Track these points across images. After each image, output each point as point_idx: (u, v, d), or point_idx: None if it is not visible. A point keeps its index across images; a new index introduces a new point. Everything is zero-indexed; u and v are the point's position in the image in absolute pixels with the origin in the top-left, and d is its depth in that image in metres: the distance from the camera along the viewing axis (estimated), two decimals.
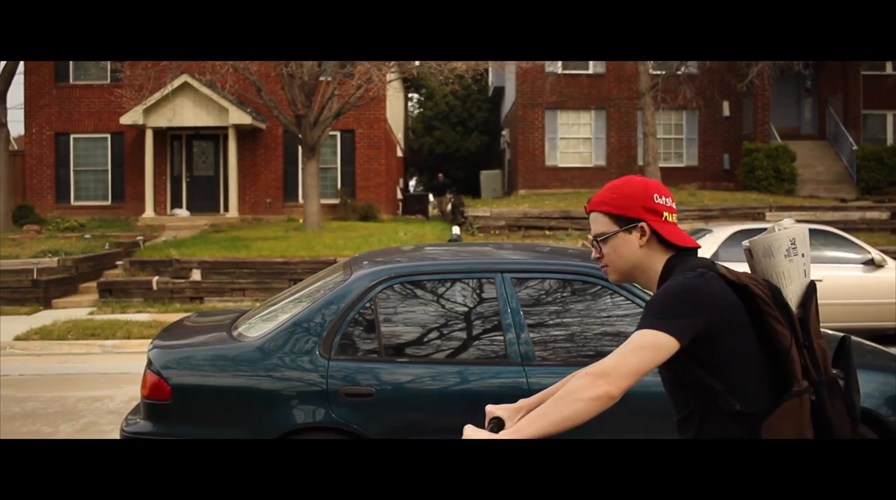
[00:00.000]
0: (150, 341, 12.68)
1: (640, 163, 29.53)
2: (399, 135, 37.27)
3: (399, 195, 35.57)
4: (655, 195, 2.77)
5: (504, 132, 37.98)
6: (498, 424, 2.90)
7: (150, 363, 5.72)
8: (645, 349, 2.49)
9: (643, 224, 2.75)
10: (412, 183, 49.36)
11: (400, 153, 37.58)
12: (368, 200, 28.96)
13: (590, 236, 2.87)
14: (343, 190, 29.09)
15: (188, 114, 27.03)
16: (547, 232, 22.35)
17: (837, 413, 2.67)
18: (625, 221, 2.76)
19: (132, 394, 9.93)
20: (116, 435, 7.97)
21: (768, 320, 2.61)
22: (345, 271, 6.05)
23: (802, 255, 2.75)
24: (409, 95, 45.07)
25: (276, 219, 27.88)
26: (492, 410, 2.93)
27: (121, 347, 13.55)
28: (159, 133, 28.00)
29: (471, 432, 2.56)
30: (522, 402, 2.96)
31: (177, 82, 26.10)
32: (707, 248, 12.76)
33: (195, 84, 26.39)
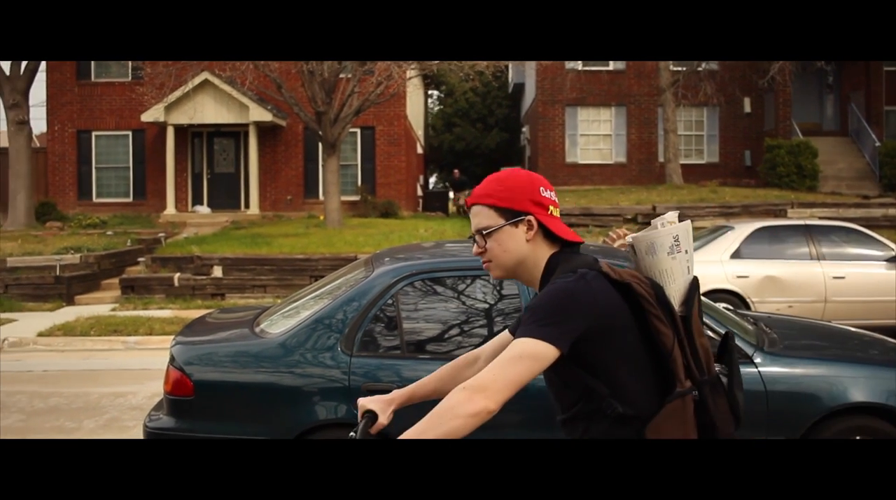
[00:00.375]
0: (171, 337, 12.73)
1: (661, 159, 29.47)
2: (419, 132, 37.28)
3: (419, 192, 35.58)
4: (542, 188, 2.71)
5: (524, 129, 37.95)
6: (371, 417, 2.89)
7: (172, 359, 5.75)
8: (524, 360, 2.45)
9: (531, 218, 2.68)
10: (432, 180, 49.35)
11: (420, 150, 37.59)
12: (389, 196, 28.99)
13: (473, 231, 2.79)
14: (363, 187, 29.13)
15: (209, 111, 27.13)
16: None
17: (720, 412, 2.67)
18: (511, 214, 2.68)
19: (154, 390, 9.98)
20: (139, 431, 8.01)
21: (651, 319, 2.58)
22: (366, 268, 6.07)
23: (686, 251, 2.72)
24: (429, 91, 45.06)
25: (297, 216, 27.94)
26: (364, 403, 2.91)
27: (143, 343, 13.61)
28: (180, 130, 28.13)
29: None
30: (395, 393, 2.97)
31: (197, 80, 26.17)
32: (729, 245, 12.72)
33: (216, 81, 26.49)
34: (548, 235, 2.71)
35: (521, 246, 2.69)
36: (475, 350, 3.11)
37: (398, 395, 2.98)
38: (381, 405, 2.92)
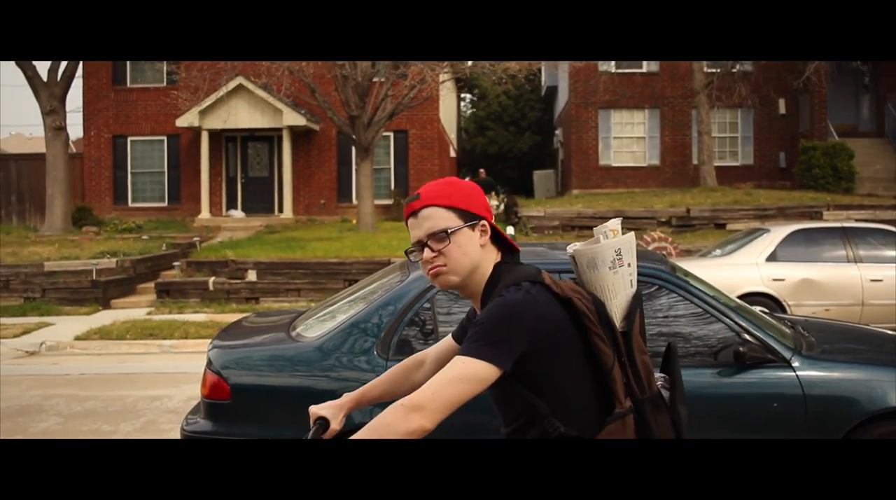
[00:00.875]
0: (207, 340, 12.79)
1: (695, 162, 29.32)
2: (452, 135, 37.30)
3: None
4: (486, 198, 2.71)
5: (557, 132, 37.87)
6: (322, 424, 2.91)
7: (209, 363, 5.77)
8: (464, 382, 2.42)
9: (485, 222, 2.66)
10: None
11: (453, 154, 37.61)
12: None
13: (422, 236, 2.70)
14: (396, 190, 29.16)
15: (243, 116, 27.28)
16: None
17: (661, 429, 2.64)
18: (470, 217, 2.63)
19: (190, 393, 10.04)
20: (176, 434, 8.06)
21: (592, 337, 2.55)
22: (402, 272, 6.08)
23: (629, 264, 2.68)
24: (462, 95, 45.10)
25: (330, 220, 28.02)
26: (315, 410, 2.93)
27: (178, 347, 13.70)
28: (214, 135, 28.29)
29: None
30: (346, 397, 2.99)
31: (232, 84, 26.35)
32: (765, 247, 12.64)
33: (250, 86, 26.63)
34: (496, 242, 2.70)
35: (477, 250, 2.64)
36: (421, 353, 3.12)
37: (348, 399, 3.00)
38: (332, 411, 2.93)
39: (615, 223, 2.72)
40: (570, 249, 2.76)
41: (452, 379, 2.43)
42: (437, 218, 2.63)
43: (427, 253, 2.64)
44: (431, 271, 2.65)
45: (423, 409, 2.41)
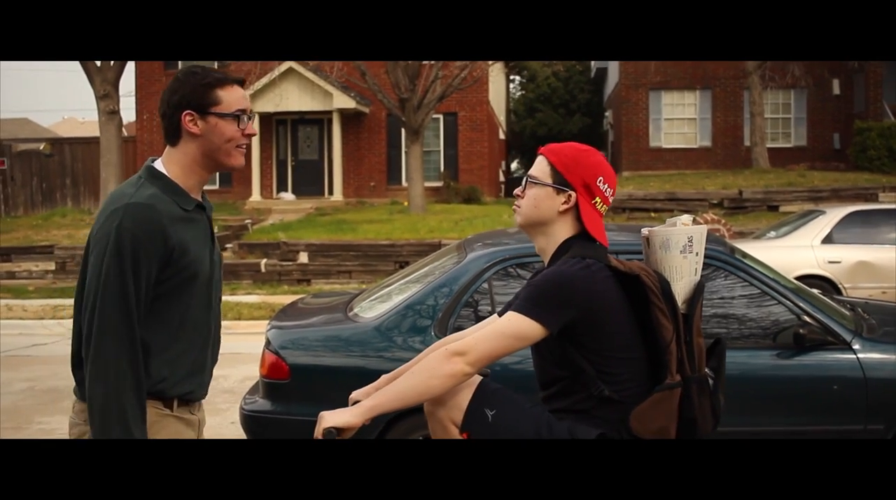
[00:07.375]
0: (260, 322, 12.85)
1: (747, 143, 29.03)
2: (501, 117, 37.21)
3: (501, 178, 35.53)
4: (601, 179, 2.78)
5: (607, 114, 37.69)
6: None
7: (268, 343, 5.82)
8: (509, 337, 2.60)
9: (572, 194, 2.77)
10: (514, 165, 49.25)
11: (502, 136, 37.52)
12: (471, 182, 28.96)
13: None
14: (446, 173, 29.16)
15: (293, 99, 27.40)
16: (652, 214, 22.09)
17: (703, 410, 2.75)
18: (559, 181, 2.77)
19: (246, 374, 10.13)
20: (233, 414, 8.15)
21: (654, 311, 2.68)
22: (459, 253, 6.09)
23: (697, 253, 2.82)
24: (511, 77, 44.95)
25: (380, 202, 28.09)
26: (354, 396, 2.97)
27: (232, 328, 13.80)
28: (265, 118, 28.45)
29: (327, 415, 2.64)
30: (383, 379, 3.02)
31: (282, 68, 26.46)
32: (820, 230, 12.51)
33: (300, 69, 26.73)
34: (578, 219, 2.79)
35: (551, 212, 2.79)
36: (452, 337, 3.17)
37: (384, 381, 3.04)
38: (370, 394, 2.95)
39: (687, 218, 2.87)
40: (645, 230, 2.88)
41: (498, 332, 2.62)
42: (539, 167, 2.83)
43: (518, 189, 2.86)
44: (514, 205, 2.90)
45: (466, 354, 2.59)
